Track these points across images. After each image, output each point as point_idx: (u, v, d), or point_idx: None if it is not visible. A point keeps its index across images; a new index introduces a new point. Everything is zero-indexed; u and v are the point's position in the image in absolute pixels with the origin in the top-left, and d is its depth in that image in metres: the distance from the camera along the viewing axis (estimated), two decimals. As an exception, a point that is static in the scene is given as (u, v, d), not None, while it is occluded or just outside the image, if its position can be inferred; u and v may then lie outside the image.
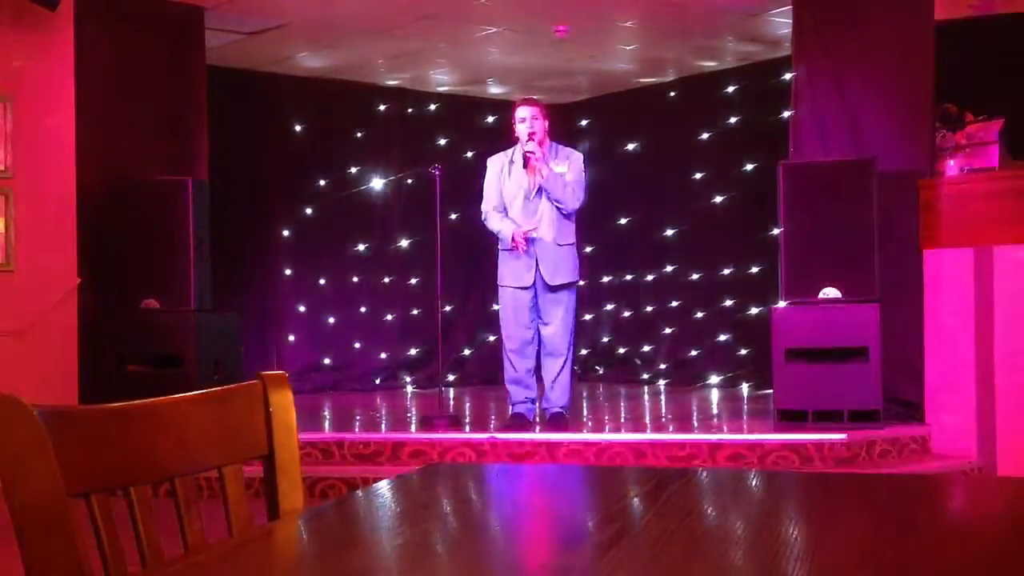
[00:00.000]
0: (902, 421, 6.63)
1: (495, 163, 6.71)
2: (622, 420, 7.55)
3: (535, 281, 6.54)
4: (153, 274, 6.88)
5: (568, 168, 6.56)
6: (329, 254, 9.75)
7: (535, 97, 7.04)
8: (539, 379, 6.78)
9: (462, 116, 10.24)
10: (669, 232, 9.84)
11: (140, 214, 6.91)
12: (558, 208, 6.50)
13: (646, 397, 9.03)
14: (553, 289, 6.55)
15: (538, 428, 6.65)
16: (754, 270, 9.07)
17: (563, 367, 6.63)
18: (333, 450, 6.45)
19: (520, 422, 6.62)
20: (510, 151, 6.66)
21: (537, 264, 6.52)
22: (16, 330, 6.68)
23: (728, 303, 9.37)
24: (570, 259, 6.60)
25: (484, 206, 6.69)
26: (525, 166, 6.47)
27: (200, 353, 6.82)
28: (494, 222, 6.63)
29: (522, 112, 6.55)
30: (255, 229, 9.30)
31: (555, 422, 6.61)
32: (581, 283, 6.98)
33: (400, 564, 1.38)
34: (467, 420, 7.48)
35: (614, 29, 8.33)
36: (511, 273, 6.62)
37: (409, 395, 9.50)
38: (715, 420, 7.41)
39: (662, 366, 9.95)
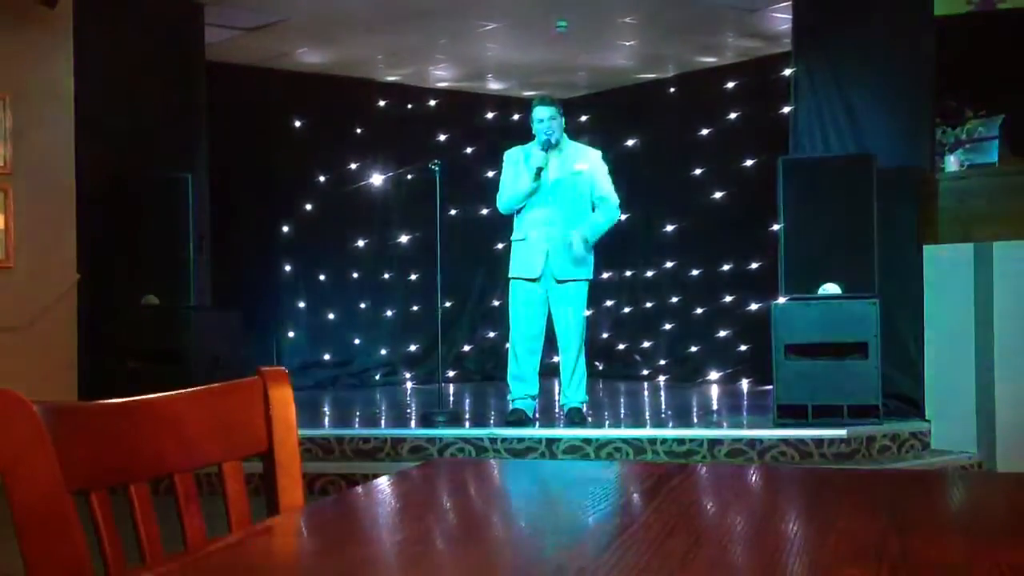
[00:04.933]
0: (902, 417, 6.64)
1: (512, 156, 6.70)
2: (622, 416, 7.56)
3: (543, 274, 6.53)
4: (153, 270, 6.87)
5: (592, 170, 6.54)
6: (329, 250, 9.76)
7: (549, 96, 7.03)
8: (546, 375, 6.79)
9: (461, 112, 10.24)
10: (669, 228, 9.84)
11: (140, 210, 6.91)
12: (574, 204, 6.51)
13: (646, 393, 9.04)
14: (561, 283, 6.55)
15: (537, 424, 6.66)
16: (754, 266, 9.07)
17: (577, 362, 6.63)
18: (333, 446, 6.45)
19: (520, 418, 6.63)
20: (527, 146, 6.65)
21: (547, 256, 6.51)
22: (16, 326, 6.68)
23: (728, 299, 9.37)
24: (582, 255, 6.58)
25: (499, 193, 6.68)
26: (536, 178, 6.45)
27: (200, 349, 6.82)
28: (513, 186, 6.59)
29: (540, 112, 6.55)
30: (255, 225, 9.30)
31: (573, 417, 6.62)
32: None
33: (400, 560, 1.38)
34: (467, 416, 7.48)
35: (614, 25, 8.33)
36: (521, 264, 6.61)
37: (409, 391, 9.51)
38: (715, 416, 7.41)
39: (662, 362, 9.96)
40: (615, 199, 6.61)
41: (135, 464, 1.51)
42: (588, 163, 6.57)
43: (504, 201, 6.65)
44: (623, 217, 9.81)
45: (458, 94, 10.33)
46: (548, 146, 6.47)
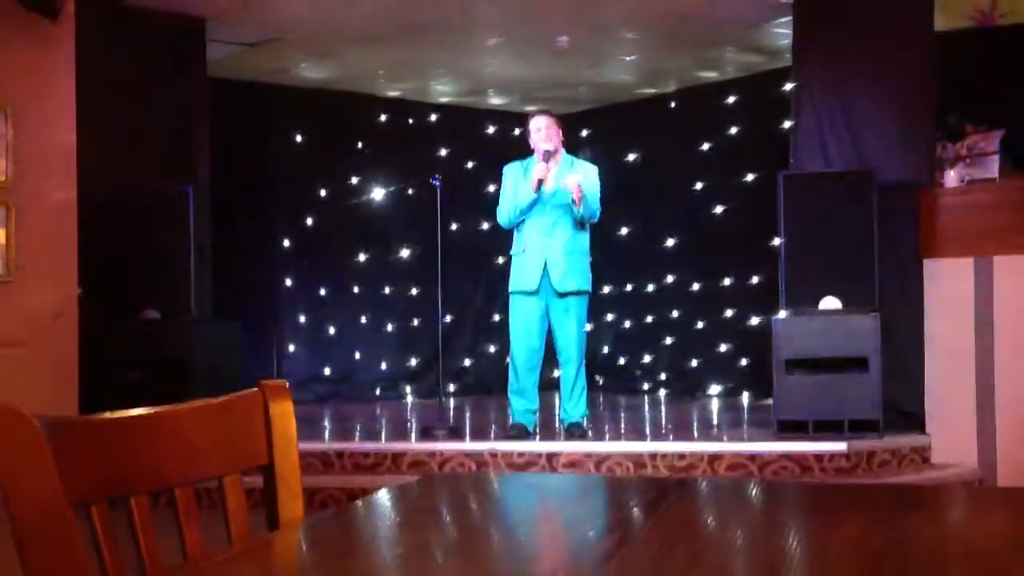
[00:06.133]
0: (902, 431, 6.63)
1: (511, 170, 6.70)
2: (622, 430, 7.55)
3: (542, 287, 6.52)
4: (154, 284, 6.88)
5: (585, 180, 6.54)
6: (330, 264, 9.76)
7: (548, 109, 6.98)
8: (546, 389, 6.77)
9: (463, 127, 10.26)
10: (669, 242, 9.85)
11: (141, 224, 6.91)
12: (573, 217, 6.49)
13: (646, 407, 9.03)
14: (562, 296, 6.54)
15: (538, 438, 6.65)
16: (754, 280, 9.07)
17: (577, 376, 6.62)
18: (333, 460, 6.44)
19: (520, 432, 6.62)
20: (526, 160, 6.66)
21: (546, 268, 6.51)
22: (17, 340, 6.67)
23: (728, 313, 9.37)
24: (581, 267, 6.58)
25: (500, 207, 6.67)
26: (537, 189, 6.45)
27: (200, 363, 6.82)
28: (514, 199, 6.56)
29: (538, 122, 6.56)
30: (256, 239, 9.30)
31: (573, 432, 6.61)
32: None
33: (400, 574, 1.38)
34: (467, 430, 7.47)
35: (615, 40, 8.34)
36: (520, 277, 6.60)
37: (409, 405, 9.50)
38: (715, 430, 7.40)
39: (662, 376, 9.95)
40: (599, 208, 6.58)
41: (135, 477, 1.51)
42: (582, 174, 6.56)
43: (504, 215, 6.65)
44: (624, 231, 9.91)
45: (459, 109, 10.34)
46: (547, 156, 6.47)
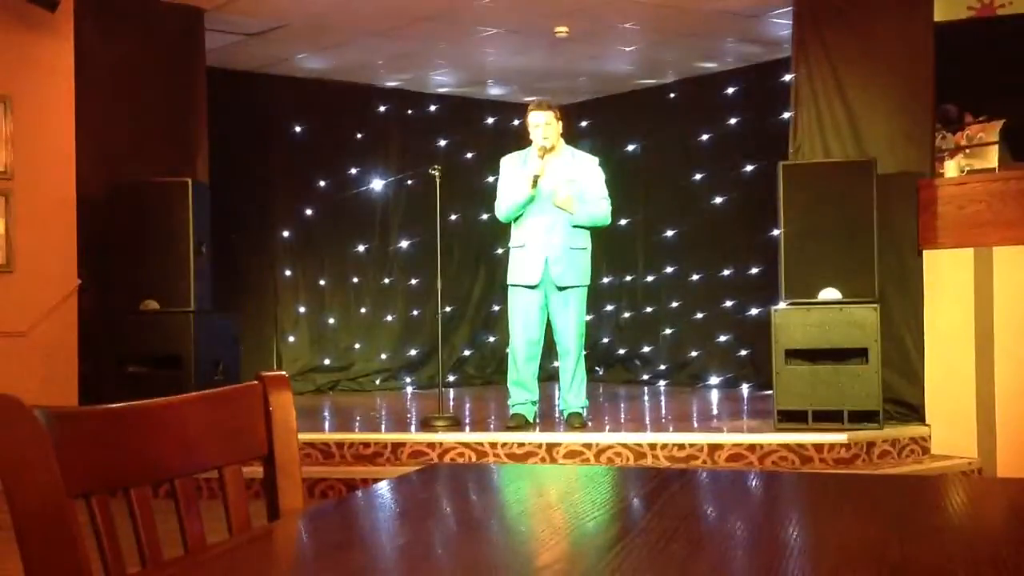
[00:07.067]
0: (902, 422, 6.64)
1: (509, 162, 6.69)
2: (622, 420, 7.56)
3: (543, 280, 6.53)
4: (153, 275, 6.87)
5: (586, 178, 6.53)
6: (329, 255, 9.76)
7: (548, 100, 6.87)
8: (546, 380, 6.77)
9: (462, 117, 10.25)
10: (669, 233, 9.85)
11: (140, 215, 6.90)
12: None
13: (646, 398, 9.03)
14: (561, 290, 6.54)
15: (537, 429, 6.66)
16: (754, 271, 9.08)
17: (576, 367, 6.63)
18: (333, 451, 6.45)
19: (520, 423, 6.62)
20: (524, 151, 6.65)
21: (547, 263, 6.50)
22: (16, 331, 6.67)
23: (728, 304, 9.37)
24: (581, 262, 6.58)
25: (498, 202, 6.67)
26: (533, 186, 6.44)
27: (200, 354, 6.82)
28: (511, 194, 6.56)
29: (536, 117, 6.52)
30: (255, 230, 9.30)
31: (573, 422, 6.61)
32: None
33: (400, 564, 1.38)
34: (467, 421, 7.48)
35: (614, 30, 8.33)
36: (520, 271, 6.60)
37: (409, 396, 9.50)
38: (715, 420, 7.41)
39: (662, 367, 9.95)
40: (607, 204, 6.60)
41: (135, 469, 1.51)
42: (580, 172, 6.54)
43: (502, 209, 6.65)
44: (623, 221, 9.89)
45: (458, 99, 10.33)
46: (544, 152, 6.46)
